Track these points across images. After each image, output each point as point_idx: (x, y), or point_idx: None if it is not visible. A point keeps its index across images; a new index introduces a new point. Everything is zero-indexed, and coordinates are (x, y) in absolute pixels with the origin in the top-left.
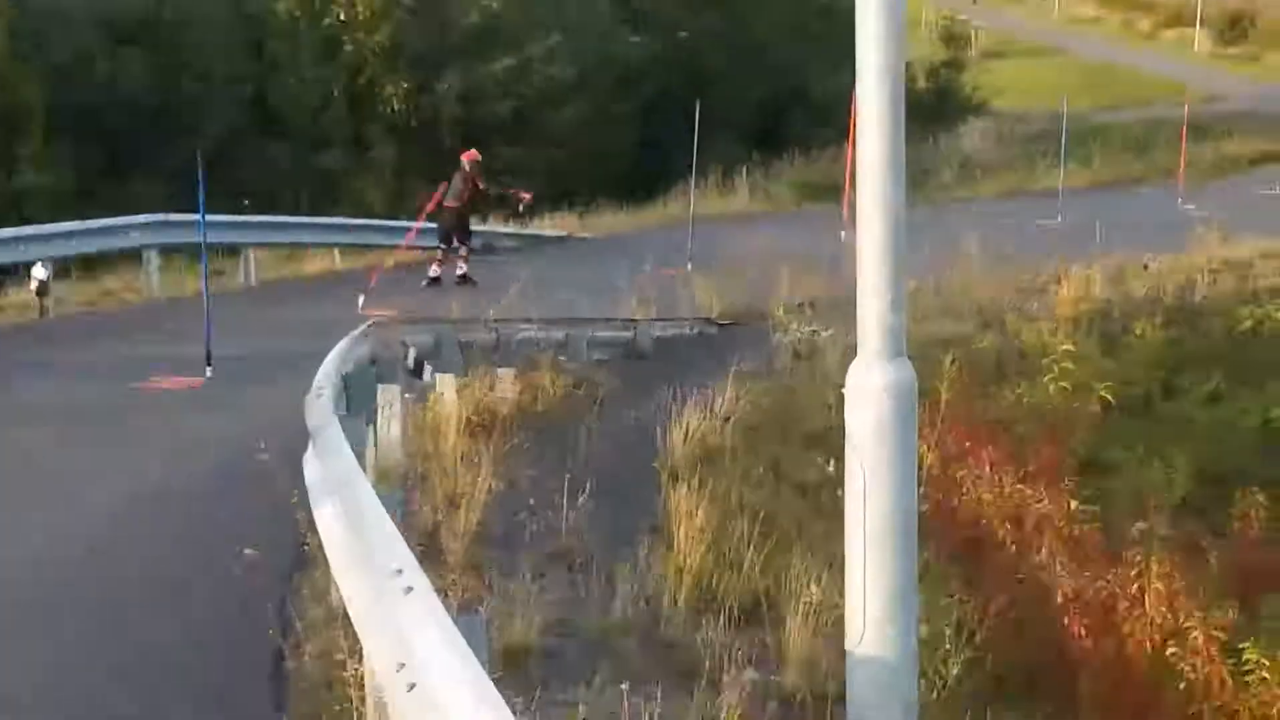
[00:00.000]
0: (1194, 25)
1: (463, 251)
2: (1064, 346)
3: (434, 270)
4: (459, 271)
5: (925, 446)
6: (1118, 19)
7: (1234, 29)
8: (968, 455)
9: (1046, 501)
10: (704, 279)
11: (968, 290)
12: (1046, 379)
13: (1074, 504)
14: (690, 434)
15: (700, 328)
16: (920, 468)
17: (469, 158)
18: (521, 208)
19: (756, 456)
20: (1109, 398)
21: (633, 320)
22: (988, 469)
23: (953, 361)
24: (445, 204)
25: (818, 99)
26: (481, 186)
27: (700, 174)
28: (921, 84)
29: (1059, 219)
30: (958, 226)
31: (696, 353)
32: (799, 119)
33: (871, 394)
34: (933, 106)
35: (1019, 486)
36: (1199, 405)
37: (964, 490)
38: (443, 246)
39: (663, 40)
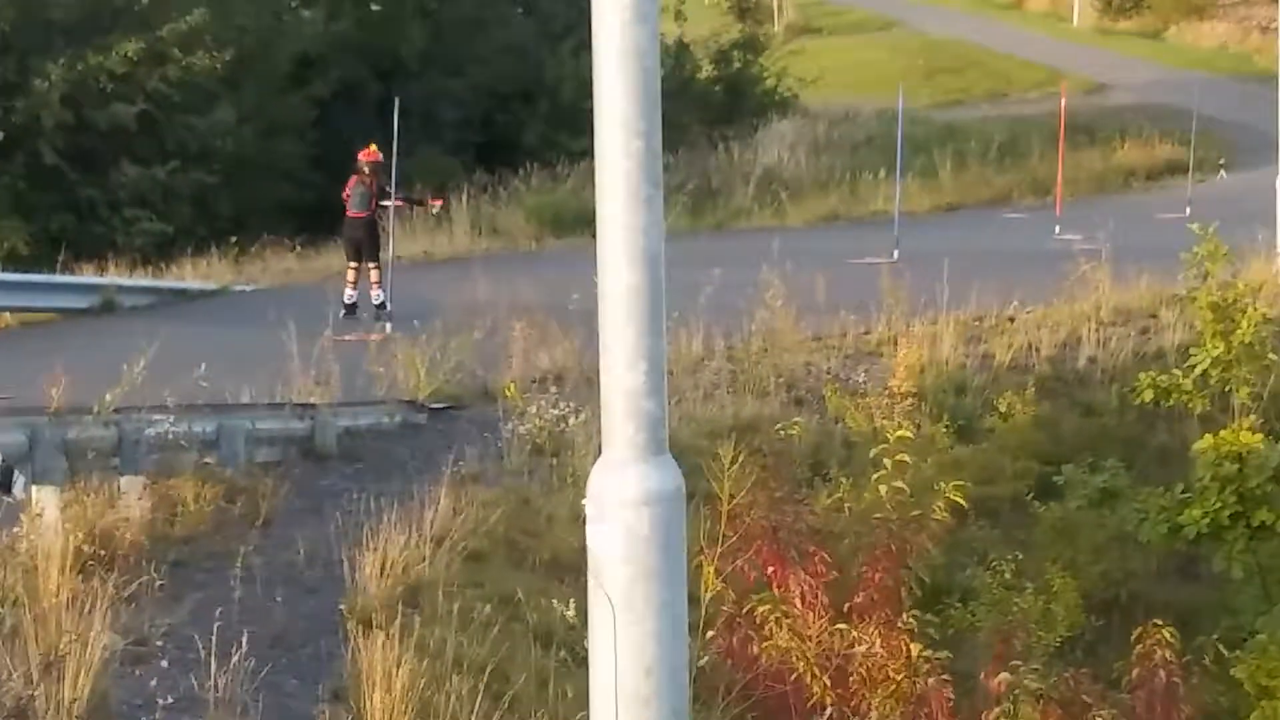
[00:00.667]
0: None
1: (373, 274)
2: (899, 433)
3: (349, 295)
4: (376, 299)
5: (712, 572)
6: None
7: None
8: (771, 583)
9: (878, 645)
10: (409, 346)
11: (773, 355)
12: (876, 477)
13: (915, 648)
14: (390, 564)
15: (404, 414)
16: (699, 602)
17: (368, 157)
18: (434, 212)
19: (481, 591)
20: (961, 501)
21: (310, 406)
22: (799, 601)
23: (753, 454)
24: (350, 213)
25: (562, 95)
26: (388, 190)
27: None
28: (707, 73)
29: (895, 254)
30: (758, 265)
31: (399, 449)
32: (536, 122)
33: (621, 505)
34: (722, 104)
35: (841, 625)
36: (1085, 508)
37: (766, 631)
38: (352, 265)
39: (350, 16)
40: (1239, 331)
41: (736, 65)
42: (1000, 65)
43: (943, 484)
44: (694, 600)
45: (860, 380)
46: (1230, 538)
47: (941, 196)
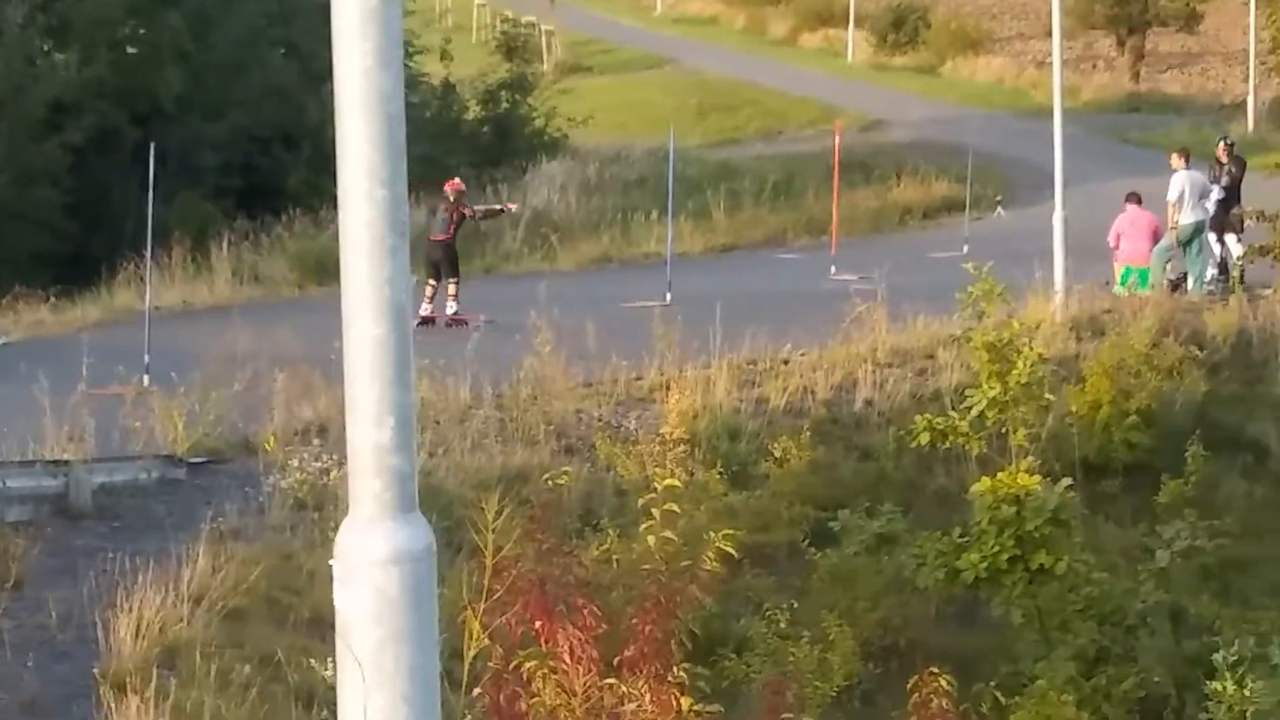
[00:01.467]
0: (846, 26)
1: (451, 289)
2: (668, 481)
3: (425, 309)
4: (450, 310)
5: (478, 627)
6: (743, 19)
7: (900, 30)
8: (539, 637)
9: (648, 700)
10: (167, 399)
11: (542, 403)
12: (644, 528)
13: (686, 702)
14: (146, 625)
15: (162, 470)
16: (460, 658)
17: (453, 187)
18: (512, 210)
19: (241, 652)
20: (730, 550)
21: (63, 463)
22: (567, 656)
23: (522, 504)
24: (431, 237)
25: (325, 138)
26: (468, 214)
27: (160, 247)
28: (474, 114)
29: (668, 297)
30: (527, 310)
31: (157, 506)
32: (299, 166)
33: (369, 565)
34: (491, 145)
35: (610, 680)
36: (862, 554)
37: (533, 688)
38: (430, 282)
39: (104, 60)
40: (1015, 372)
41: (505, 105)
42: (774, 103)
43: (713, 533)
44: (459, 657)
45: (632, 427)
46: (1009, 582)
47: (715, 237)
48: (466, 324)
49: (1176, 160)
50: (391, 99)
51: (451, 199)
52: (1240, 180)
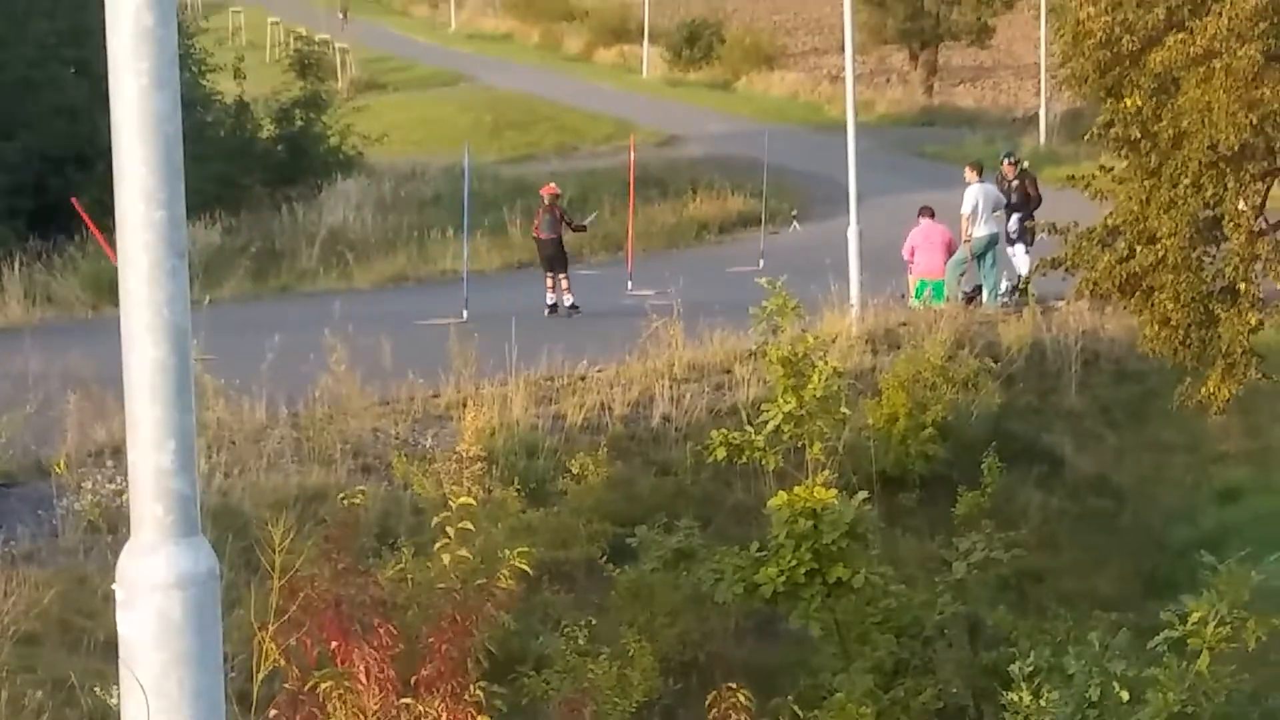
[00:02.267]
0: (641, 42)
1: (564, 282)
2: (462, 500)
3: (550, 298)
4: (567, 302)
5: (273, 648)
6: (537, 34)
7: (694, 46)
8: (335, 658)
9: (444, 718)
10: None
11: (339, 422)
12: (439, 546)
13: None
14: None
15: None
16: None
17: (549, 191)
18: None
19: (34, 677)
20: (525, 568)
21: None
22: (363, 676)
23: (318, 524)
24: (542, 236)
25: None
26: (566, 219)
27: None
28: (268, 132)
29: (464, 314)
30: (323, 329)
31: None
32: (91, 186)
33: (151, 589)
34: (285, 163)
35: (406, 700)
36: (660, 569)
37: (328, 709)
38: (549, 274)
39: None
40: (810, 386)
41: (299, 123)
42: (569, 119)
43: (510, 550)
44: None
45: (429, 445)
46: (807, 595)
47: (512, 254)
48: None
49: (970, 174)
50: (168, 120)
51: (548, 202)
52: (1030, 193)
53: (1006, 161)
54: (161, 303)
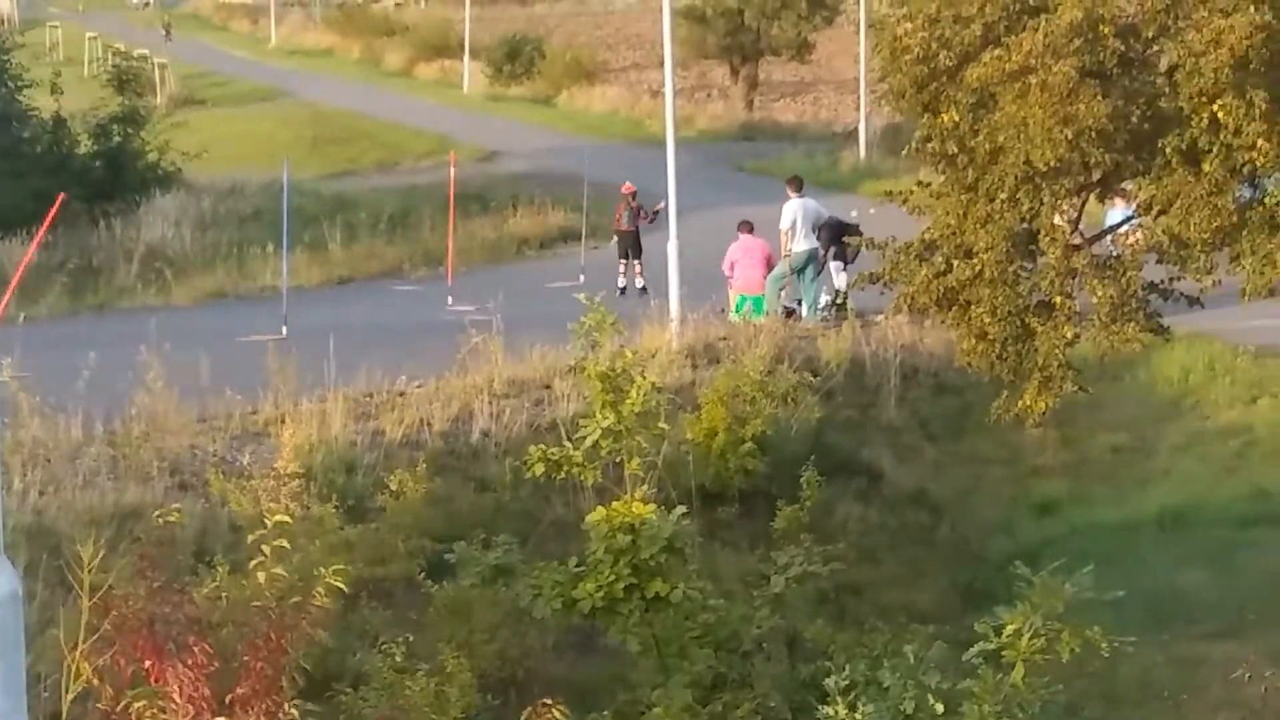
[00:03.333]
0: (462, 58)
1: (638, 267)
2: (277, 518)
3: (621, 281)
4: (639, 284)
5: (85, 666)
6: (358, 50)
7: (515, 62)
8: (149, 677)
9: None
10: None
11: (155, 439)
12: (254, 564)
13: None
14: None
15: None
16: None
17: (628, 189)
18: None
19: None
20: (341, 585)
21: None
22: (178, 695)
23: (134, 542)
24: (623, 228)
25: None
26: (642, 212)
27: None
28: (86, 148)
29: (284, 331)
30: (140, 346)
31: None
32: None
33: None
34: (103, 179)
35: (221, 719)
36: (479, 585)
37: None
38: (623, 261)
39: None
40: (629, 401)
41: (117, 139)
42: (390, 135)
43: (326, 568)
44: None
45: (246, 462)
46: (625, 610)
47: (332, 270)
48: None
49: (789, 189)
50: None
51: (630, 198)
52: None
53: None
54: None
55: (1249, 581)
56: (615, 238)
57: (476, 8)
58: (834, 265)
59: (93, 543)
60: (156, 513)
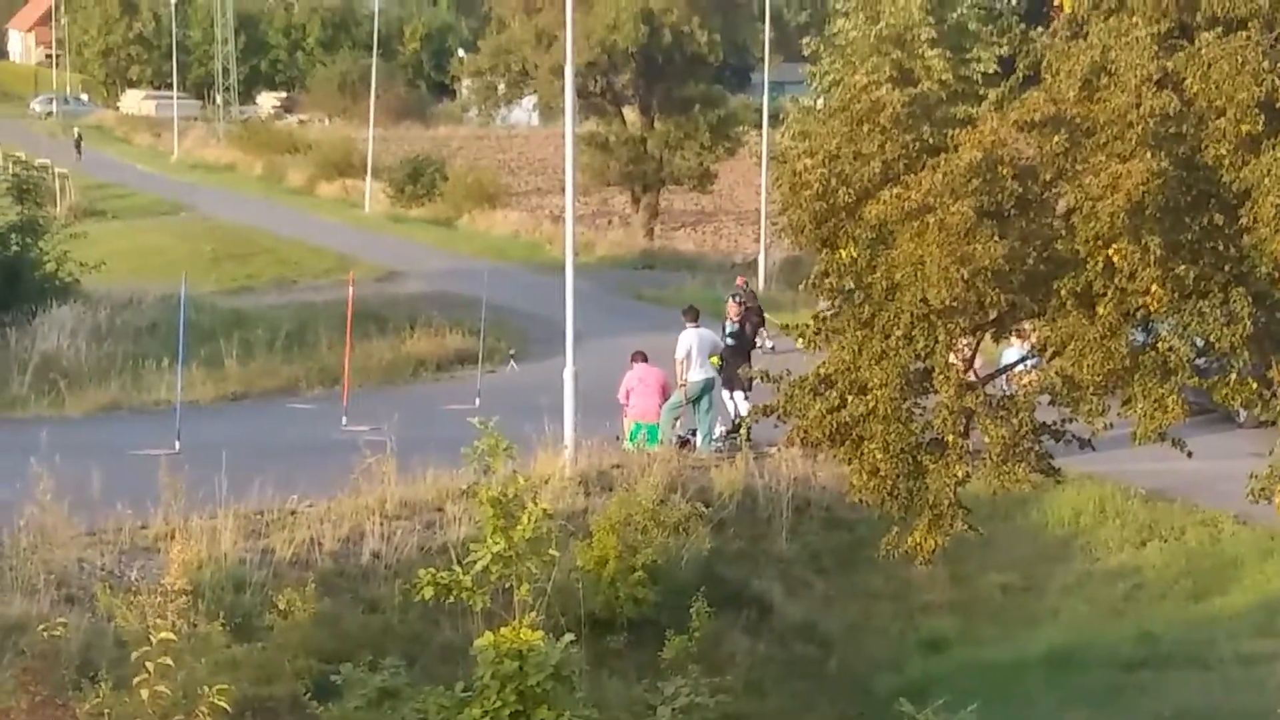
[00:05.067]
0: (364, 177)
1: None
2: (163, 635)
3: None
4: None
5: None
6: (260, 166)
7: (418, 183)
8: None
9: None
10: None
11: (43, 552)
12: (137, 681)
13: None
14: None
15: None
16: None
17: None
18: None
19: None
20: (225, 705)
21: None
22: None
23: (17, 655)
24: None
25: None
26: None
27: None
28: None
29: (176, 445)
30: (30, 457)
31: None
32: None
33: None
34: None
35: None
36: (364, 708)
37: None
38: None
39: None
40: (520, 527)
41: (15, 249)
42: (290, 251)
43: (210, 686)
44: None
45: (135, 577)
46: None
47: (227, 385)
48: None
49: (685, 319)
50: None
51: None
52: (754, 336)
53: (732, 301)
54: None
55: None
56: None
57: (379, 128)
58: (737, 394)
59: None
60: (42, 626)
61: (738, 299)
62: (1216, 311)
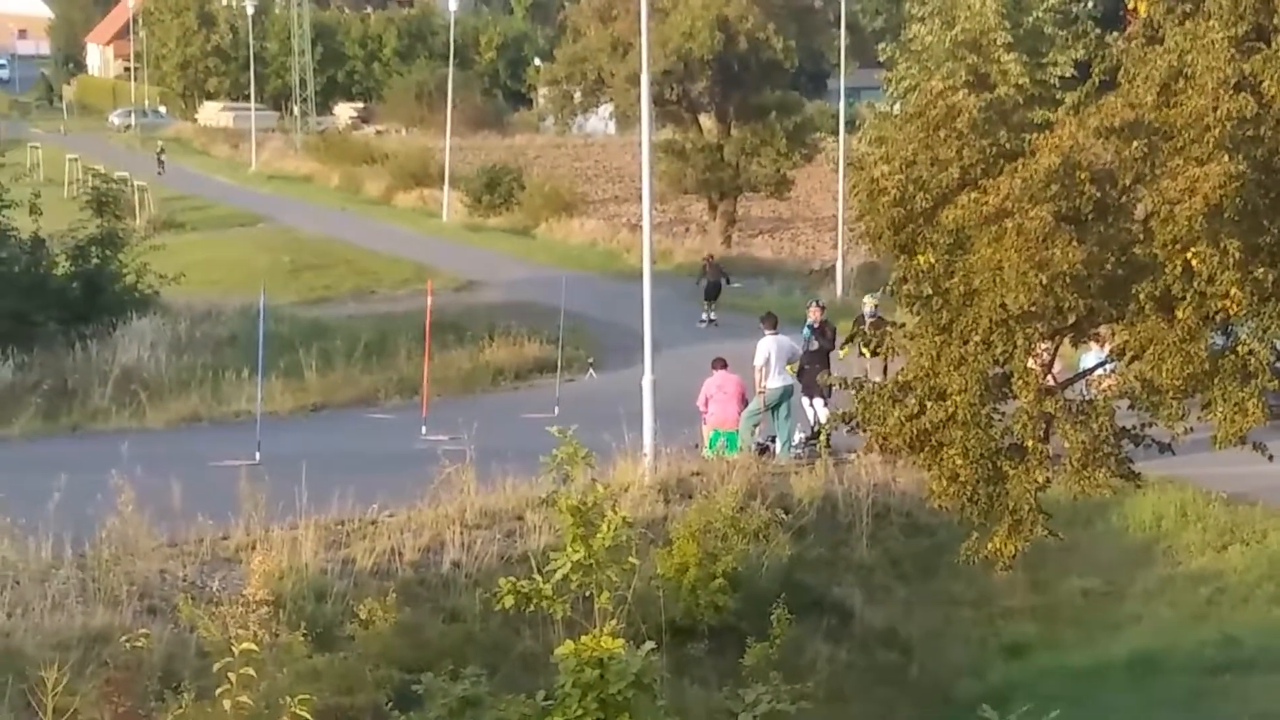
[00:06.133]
0: (441, 187)
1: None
2: (244, 645)
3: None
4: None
5: None
6: (338, 177)
7: (495, 192)
8: None
9: None
10: None
11: (125, 563)
12: (220, 691)
13: None
14: None
15: None
16: None
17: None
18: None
19: None
20: (307, 715)
21: None
22: None
23: (101, 666)
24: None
25: None
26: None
27: None
28: (64, 269)
29: (257, 456)
30: (113, 469)
31: None
32: None
33: None
34: (80, 301)
35: None
36: (445, 717)
37: None
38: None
39: None
40: (600, 535)
41: (95, 261)
42: (368, 262)
43: (292, 697)
44: None
45: (216, 588)
46: None
47: (307, 396)
48: None
49: (764, 325)
50: None
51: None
52: (832, 345)
53: (814, 306)
54: None
55: None
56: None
57: (456, 137)
58: (817, 401)
59: (59, 666)
60: (124, 637)
61: (819, 303)
62: None
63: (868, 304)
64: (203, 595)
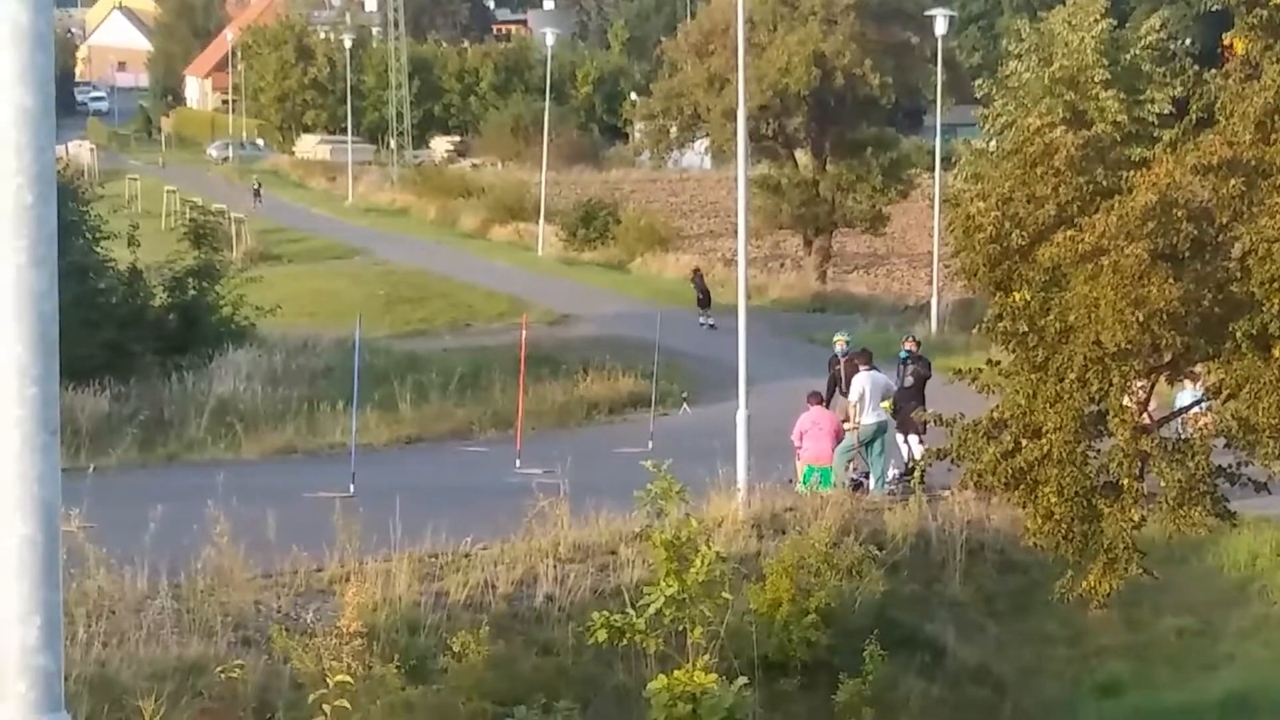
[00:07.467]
0: (537, 220)
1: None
2: (339, 678)
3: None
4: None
5: None
6: (434, 210)
7: (590, 226)
8: None
9: None
10: None
11: (220, 594)
12: None
13: None
14: None
15: None
16: None
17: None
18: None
19: None
20: None
21: None
22: None
23: (195, 697)
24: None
25: None
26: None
27: None
28: (161, 301)
29: (351, 489)
30: (208, 500)
31: None
32: None
33: None
34: (177, 332)
35: None
36: None
37: None
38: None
39: None
40: (693, 570)
41: (192, 293)
42: (463, 295)
43: None
44: None
45: (310, 619)
46: None
47: (401, 429)
48: None
49: (859, 361)
50: (45, 298)
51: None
52: (925, 380)
53: (910, 340)
54: (32, 479)
55: None
56: None
57: (552, 171)
58: (912, 438)
59: (154, 697)
60: (219, 668)
61: (915, 339)
62: None
63: (838, 343)
64: (297, 627)
